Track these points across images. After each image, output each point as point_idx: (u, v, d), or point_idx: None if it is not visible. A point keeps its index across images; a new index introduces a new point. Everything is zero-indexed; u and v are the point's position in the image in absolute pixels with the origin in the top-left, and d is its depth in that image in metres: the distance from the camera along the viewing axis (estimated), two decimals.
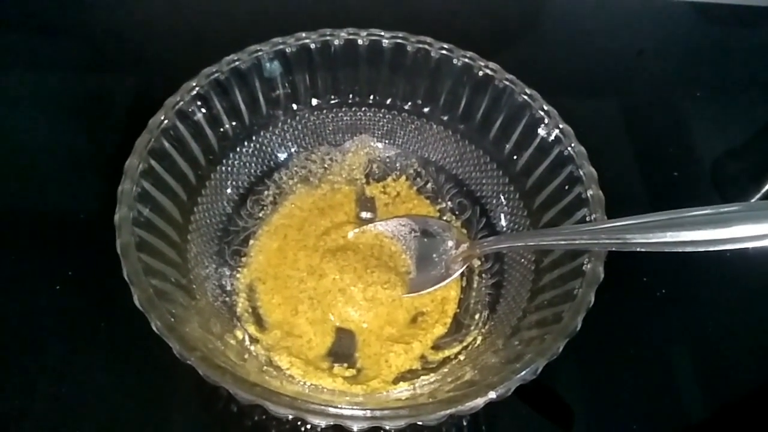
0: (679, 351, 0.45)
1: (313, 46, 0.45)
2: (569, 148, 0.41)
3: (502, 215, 0.46)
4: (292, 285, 0.44)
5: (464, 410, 0.30)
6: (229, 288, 0.43)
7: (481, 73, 0.45)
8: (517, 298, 0.41)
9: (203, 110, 0.43)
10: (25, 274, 0.45)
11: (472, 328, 0.42)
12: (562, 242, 0.37)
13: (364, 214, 0.49)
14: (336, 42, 0.45)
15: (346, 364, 0.41)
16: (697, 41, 0.66)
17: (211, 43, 0.47)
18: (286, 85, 0.47)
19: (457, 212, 0.48)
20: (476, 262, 0.45)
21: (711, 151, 0.57)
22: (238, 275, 0.44)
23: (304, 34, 0.45)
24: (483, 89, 0.45)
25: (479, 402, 0.30)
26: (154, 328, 0.32)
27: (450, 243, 0.44)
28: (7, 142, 0.53)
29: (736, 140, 0.58)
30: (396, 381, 0.40)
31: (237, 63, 0.44)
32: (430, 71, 0.46)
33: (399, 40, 0.45)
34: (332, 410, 0.29)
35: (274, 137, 0.48)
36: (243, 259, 0.45)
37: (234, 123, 0.45)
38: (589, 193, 0.39)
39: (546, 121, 0.42)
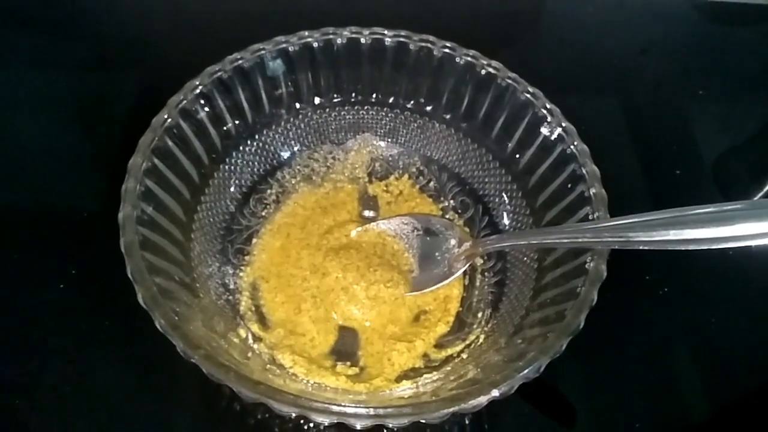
0: (681, 349, 0.45)
1: (315, 44, 0.45)
2: (572, 147, 0.41)
3: (505, 214, 0.46)
4: (295, 283, 0.44)
5: (467, 408, 0.30)
6: (232, 286, 0.43)
7: (483, 72, 0.45)
8: (520, 297, 0.41)
9: (206, 109, 0.43)
10: (29, 272, 0.45)
11: (475, 326, 0.42)
12: (565, 240, 0.37)
13: (367, 213, 0.49)
14: (339, 41, 0.46)
15: (349, 363, 0.41)
16: (699, 39, 0.66)
17: (213, 42, 0.47)
18: (289, 83, 0.47)
19: (459, 211, 0.48)
20: (479, 261, 0.45)
21: (713, 149, 0.57)
22: (241, 274, 0.44)
23: (306, 33, 0.45)
24: (485, 88, 0.45)
25: (482, 400, 0.30)
26: (158, 327, 0.32)
27: (453, 241, 0.44)
28: (10, 141, 0.53)
29: (738, 138, 0.58)
30: (399, 379, 0.40)
31: (240, 62, 0.44)
32: (432, 70, 0.46)
33: (401, 39, 0.46)
34: (336, 408, 0.29)
35: (277, 136, 0.48)
36: (246, 257, 0.45)
37: (237, 122, 0.45)
38: (592, 191, 0.39)
39: (549, 119, 0.42)
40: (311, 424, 0.40)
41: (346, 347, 0.42)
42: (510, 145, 0.45)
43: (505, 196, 0.46)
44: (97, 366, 0.42)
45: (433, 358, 0.41)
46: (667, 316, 0.46)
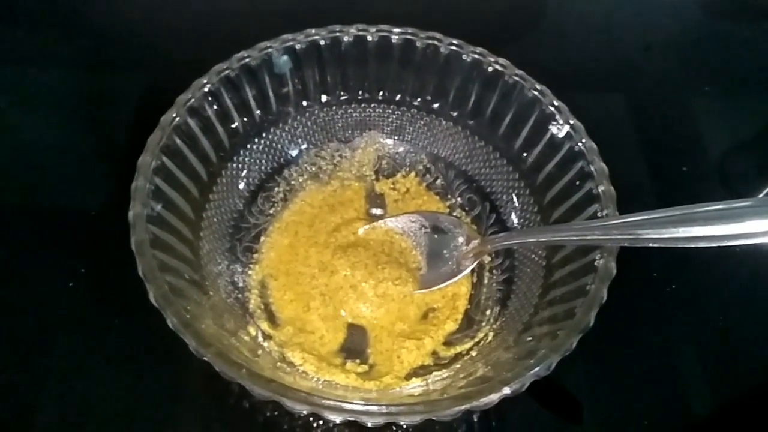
0: (688, 347, 0.45)
1: (322, 42, 0.45)
2: (580, 144, 0.41)
3: (512, 211, 0.46)
4: (304, 281, 0.44)
5: (479, 406, 0.30)
6: (241, 284, 0.43)
7: (490, 69, 0.45)
8: (528, 294, 0.41)
9: (214, 107, 0.43)
10: (37, 271, 0.45)
11: (483, 324, 0.42)
12: (575, 238, 0.37)
13: (374, 211, 0.49)
14: (345, 38, 0.45)
15: (358, 360, 0.41)
16: (705, 36, 0.66)
17: (219, 40, 0.47)
18: (296, 81, 0.47)
19: (466, 208, 0.48)
20: (486, 258, 0.45)
21: (719, 146, 0.57)
22: (249, 272, 0.44)
23: (313, 31, 0.45)
24: (493, 85, 0.45)
25: (494, 398, 0.30)
26: (170, 325, 0.32)
27: (461, 239, 0.44)
28: (16, 140, 0.53)
29: (744, 135, 0.58)
30: (408, 377, 0.40)
31: (247, 60, 0.44)
32: (439, 67, 0.46)
33: (408, 36, 0.45)
34: (348, 406, 0.30)
35: (283, 134, 0.48)
36: (254, 255, 0.45)
37: (244, 119, 0.45)
38: (601, 188, 0.39)
39: (557, 116, 0.42)
40: (320, 422, 0.40)
41: (355, 345, 0.42)
42: (517, 142, 0.45)
43: (512, 193, 0.46)
44: (106, 364, 0.42)
45: (443, 356, 0.41)
46: (675, 314, 0.46)
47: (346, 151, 0.50)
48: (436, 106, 0.48)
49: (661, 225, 0.33)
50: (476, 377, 0.36)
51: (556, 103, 0.43)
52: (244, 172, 0.46)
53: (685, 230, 0.32)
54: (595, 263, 0.36)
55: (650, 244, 0.33)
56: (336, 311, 0.43)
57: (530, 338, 0.37)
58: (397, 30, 0.45)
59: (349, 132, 0.50)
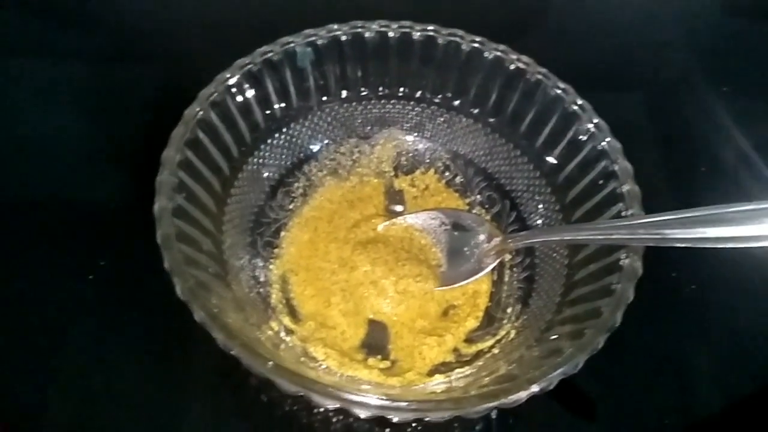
0: (709, 347, 0.45)
1: (344, 38, 0.45)
2: (603, 143, 0.41)
3: (533, 210, 0.46)
4: (324, 277, 0.44)
5: (507, 403, 0.30)
6: (262, 279, 0.43)
7: (512, 67, 0.44)
8: (550, 293, 0.41)
9: (236, 101, 0.43)
10: (57, 263, 0.45)
11: (505, 321, 0.42)
12: (600, 237, 0.37)
13: (393, 207, 0.49)
14: (367, 34, 0.45)
15: (380, 356, 0.41)
16: (723, 34, 0.66)
17: (239, 34, 0.47)
18: (317, 76, 0.46)
19: (486, 206, 0.48)
20: (507, 256, 0.45)
21: (738, 145, 0.56)
22: (270, 266, 0.44)
23: (335, 26, 0.45)
24: (515, 82, 0.45)
25: (522, 395, 0.30)
26: (197, 319, 0.32)
27: (482, 236, 0.44)
28: (36, 133, 0.53)
29: (763, 134, 0.58)
30: (431, 373, 0.40)
31: (269, 54, 0.44)
32: (460, 64, 0.46)
33: (430, 33, 0.45)
34: (377, 401, 0.30)
35: (304, 129, 0.48)
36: (275, 250, 0.45)
37: (266, 113, 0.45)
38: (625, 188, 0.39)
39: (580, 115, 0.42)
40: (340, 416, 0.40)
41: (376, 341, 0.42)
42: (539, 140, 0.45)
43: (533, 192, 0.46)
44: (124, 357, 0.42)
45: (464, 353, 0.41)
46: (695, 314, 0.46)
47: (366, 147, 0.50)
48: (456, 103, 0.48)
49: (690, 225, 0.32)
50: (499, 375, 0.36)
51: (579, 102, 0.42)
52: (265, 167, 0.46)
53: (714, 231, 0.32)
54: (620, 263, 0.36)
55: (677, 245, 0.33)
56: (357, 307, 0.43)
57: (554, 337, 0.36)
58: (418, 26, 0.45)
59: (369, 128, 0.50)
